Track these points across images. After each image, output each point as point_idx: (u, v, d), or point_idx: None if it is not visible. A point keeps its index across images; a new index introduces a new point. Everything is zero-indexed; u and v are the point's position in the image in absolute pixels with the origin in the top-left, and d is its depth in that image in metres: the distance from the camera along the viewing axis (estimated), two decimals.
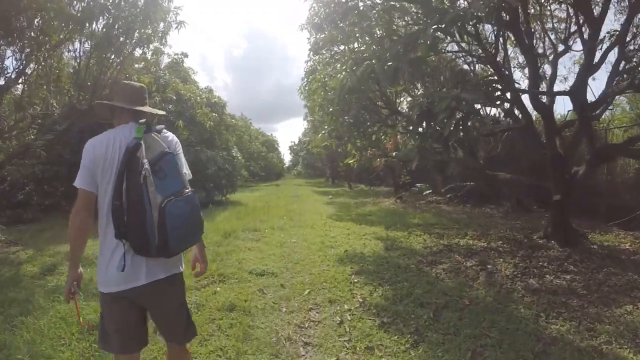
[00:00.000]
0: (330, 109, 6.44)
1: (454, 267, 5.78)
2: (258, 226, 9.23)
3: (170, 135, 2.11)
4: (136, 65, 10.25)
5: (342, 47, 8.10)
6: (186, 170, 2.09)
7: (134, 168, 1.84)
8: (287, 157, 76.92)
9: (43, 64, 9.28)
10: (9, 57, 8.43)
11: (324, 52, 9.00)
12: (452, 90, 3.61)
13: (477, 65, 10.48)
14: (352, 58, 4.68)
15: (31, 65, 8.96)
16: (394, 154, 9.63)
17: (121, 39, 8.92)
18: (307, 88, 9.41)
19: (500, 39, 7.64)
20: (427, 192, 17.19)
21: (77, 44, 9.28)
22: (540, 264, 6.11)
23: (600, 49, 6.31)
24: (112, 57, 9.29)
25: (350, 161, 8.66)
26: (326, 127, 6.52)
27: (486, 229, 8.75)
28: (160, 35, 9.17)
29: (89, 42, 8.71)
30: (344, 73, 4.84)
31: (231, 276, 5.24)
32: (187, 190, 1.92)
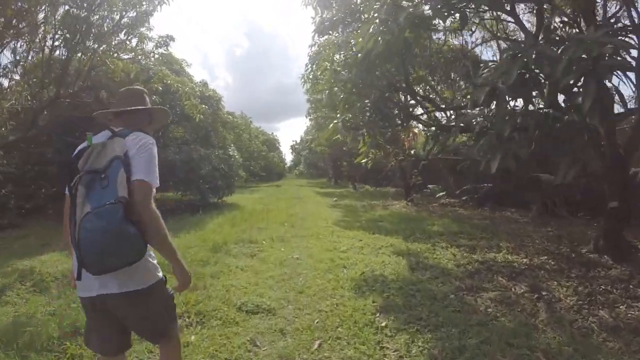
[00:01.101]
0: (342, 96, 5.06)
1: (502, 296, 4.51)
2: (254, 236, 7.91)
3: (138, 138, 1.92)
4: (123, 56, 9.05)
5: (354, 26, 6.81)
6: (142, 175, 1.82)
7: (73, 178, 1.82)
8: (288, 157, 75.75)
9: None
10: None
11: (331, 32, 7.70)
12: (581, 33, 2.32)
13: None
14: (387, 3, 3.34)
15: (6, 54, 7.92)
16: (412, 151, 8.32)
17: (99, 21, 7.79)
18: (311, 75, 8.15)
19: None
20: (441, 194, 15.95)
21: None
22: (603, 287, 4.96)
23: None
24: (92, 44, 8.11)
25: (363, 160, 7.33)
26: (338, 116, 5.10)
27: (519, 239, 7.52)
28: (144, 16, 7.98)
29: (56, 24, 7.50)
30: (372, 27, 3.45)
31: (214, 315, 3.90)
32: (108, 203, 1.67)
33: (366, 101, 4.73)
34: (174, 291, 2.12)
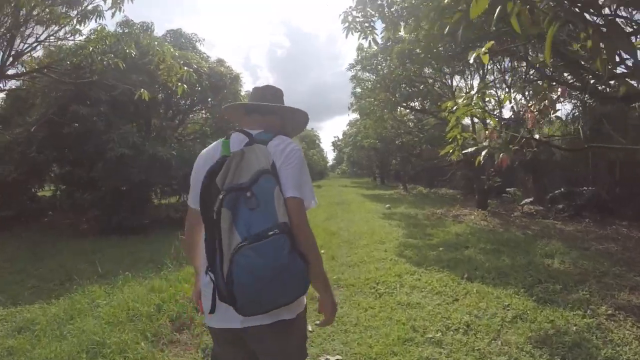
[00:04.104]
0: None
1: None
2: None
3: (283, 144, 1.55)
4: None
5: None
6: (295, 192, 1.46)
7: (213, 197, 1.41)
8: (330, 155, 72.66)
9: None
10: None
11: None
12: None
13: None
14: None
15: None
16: (535, 136, 4.68)
17: None
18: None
19: None
20: (527, 200, 12.17)
21: None
22: None
23: None
24: None
25: (468, 151, 3.78)
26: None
27: None
28: None
29: None
30: None
31: None
32: (271, 233, 1.32)
33: None
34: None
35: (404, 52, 11.30)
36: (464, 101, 4.29)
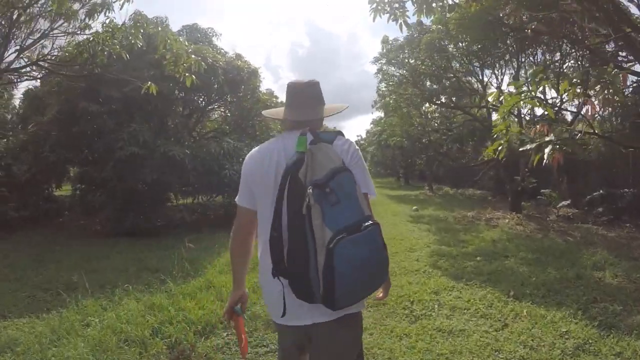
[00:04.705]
0: None
1: None
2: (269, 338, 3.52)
3: (347, 144, 1.61)
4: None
5: None
6: (366, 188, 1.56)
7: (296, 192, 1.41)
8: None
9: None
10: None
11: None
12: None
13: None
14: None
15: None
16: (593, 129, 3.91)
17: None
18: None
19: None
20: (564, 203, 11.30)
21: None
22: None
23: None
24: None
25: (527, 148, 3.16)
26: None
27: None
28: None
29: None
30: None
31: None
32: (366, 224, 1.37)
33: None
34: None
35: (433, 44, 10.70)
36: (516, 89, 3.63)
